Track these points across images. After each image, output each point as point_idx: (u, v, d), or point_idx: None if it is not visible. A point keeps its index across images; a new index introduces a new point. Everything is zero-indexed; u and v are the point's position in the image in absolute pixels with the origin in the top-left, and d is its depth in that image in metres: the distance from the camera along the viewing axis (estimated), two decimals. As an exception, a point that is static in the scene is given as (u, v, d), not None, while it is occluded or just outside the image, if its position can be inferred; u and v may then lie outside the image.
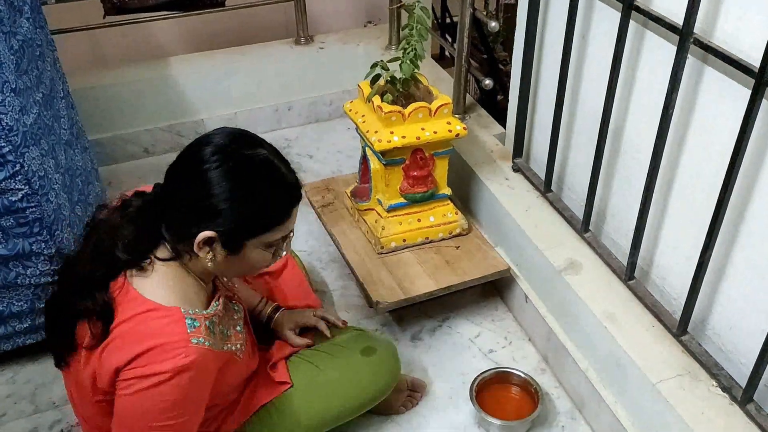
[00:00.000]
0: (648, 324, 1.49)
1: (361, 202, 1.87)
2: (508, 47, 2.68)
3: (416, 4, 1.69)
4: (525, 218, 1.79)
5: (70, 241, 1.67)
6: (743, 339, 1.32)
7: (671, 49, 1.28)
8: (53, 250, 1.61)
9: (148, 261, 1.14)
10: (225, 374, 1.21)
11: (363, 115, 1.75)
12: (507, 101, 1.98)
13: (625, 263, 1.56)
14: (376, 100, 1.69)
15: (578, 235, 1.71)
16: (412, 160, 1.73)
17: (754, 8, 1.12)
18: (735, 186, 1.21)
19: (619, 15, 1.39)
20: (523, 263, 1.81)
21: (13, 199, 1.50)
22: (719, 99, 1.25)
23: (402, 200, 1.78)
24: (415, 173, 1.74)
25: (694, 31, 1.22)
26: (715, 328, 1.39)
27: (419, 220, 1.82)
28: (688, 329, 1.43)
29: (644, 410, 1.42)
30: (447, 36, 3.15)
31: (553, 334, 1.68)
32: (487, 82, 2.05)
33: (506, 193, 1.89)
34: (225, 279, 1.31)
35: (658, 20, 1.30)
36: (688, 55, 1.25)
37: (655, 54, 1.38)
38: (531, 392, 1.61)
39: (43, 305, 1.44)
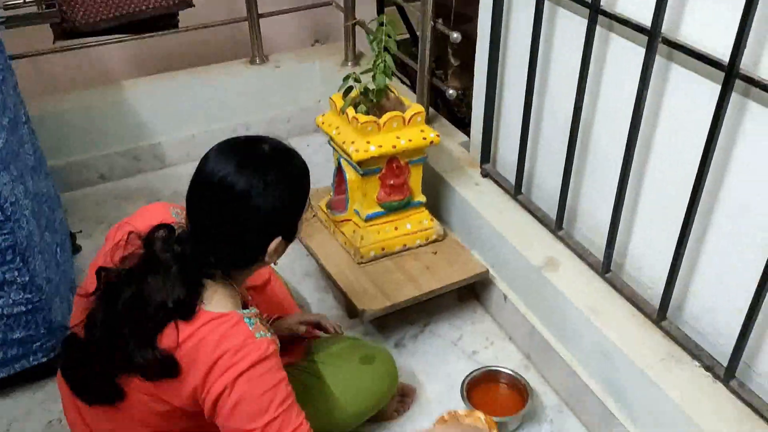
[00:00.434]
0: (628, 313, 1.55)
1: (337, 213, 1.89)
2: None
3: (383, 17, 1.73)
4: (499, 220, 1.84)
5: (43, 268, 1.62)
6: (720, 320, 1.39)
7: (637, 49, 1.36)
8: (27, 278, 1.55)
9: (197, 309, 1.12)
10: None
11: (337, 127, 1.77)
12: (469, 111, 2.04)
13: (601, 258, 1.62)
14: (351, 111, 1.71)
15: (552, 233, 1.77)
16: (388, 169, 1.76)
17: (721, 5, 1.20)
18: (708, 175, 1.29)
19: (583, 19, 1.47)
20: (499, 264, 1.86)
21: (-15, 226, 1.45)
22: (687, 94, 1.32)
23: (379, 209, 1.81)
24: (392, 182, 1.77)
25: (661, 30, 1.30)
26: (693, 312, 1.46)
27: (396, 228, 1.85)
28: (667, 315, 1.50)
29: (633, 396, 1.47)
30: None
31: (535, 331, 1.73)
32: (451, 92, 2.10)
33: (477, 197, 1.93)
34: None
35: (626, 22, 1.37)
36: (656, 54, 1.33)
37: (621, 55, 1.45)
38: (520, 388, 1.64)
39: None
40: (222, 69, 2.69)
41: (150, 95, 2.54)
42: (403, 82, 2.72)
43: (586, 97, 1.55)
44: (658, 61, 1.34)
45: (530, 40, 1.63)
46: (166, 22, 2.49)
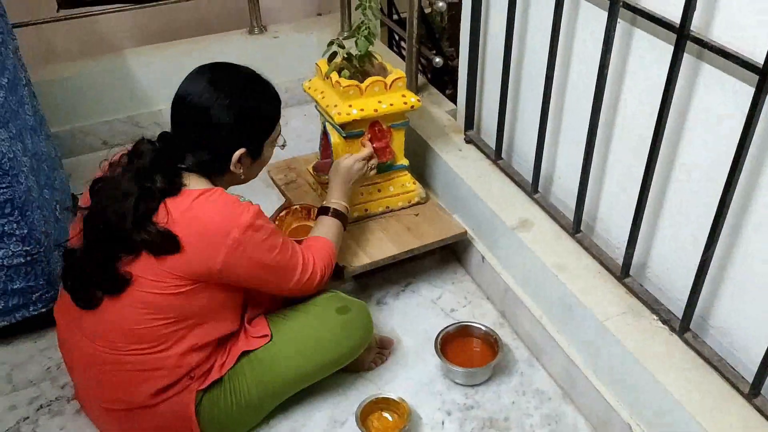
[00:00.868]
0: (595, 271, 1.62)
1: (323, 175, 1.96)
2: (454, 43, 2.80)
3: (367, -15, 1.79)
4: (478, 184, 1.91)
5: (41, 223, 1.71)
6: (678, 277, 1.46)
7: (602, 15, 1.41)
8: (25, 231, 1.65)
9: (182, 187, 1.33)
10: None
11: (322, 92, 1.83)
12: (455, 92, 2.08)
13: (572, 219, 1.69)
14: (334, 76, 1.78)
15: (528, 196, 1.84)
16: (371, 132, 1.83)
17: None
18: (663, 137, 1.35)
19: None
20: (478, 227, 1.93)
21: (-16, 180, 1.54)
22: (647, 57, 1.38)
23: (362, 171, 1.88)
24: (374, 145, 1.84)
25: (623, -4, 1.35)
26: (654, 270, 1.53)
27: (380, 191, 1.92)
28: (630, 273, 1.56)
29: (594, 347, 1.54)
30: (394, 35, 3.25)
31: (509, 289, 1.80)
32: (437, 60, 2.16)
33: (460, 162, 2.00)
34: None
35: (592, -11, 1.42)
36: (619, 19, 1.38)
37: (588, 22, 1.50)
38: (491, 343, 1.72)
39: (27, 282, 1.65)
40: (221, 38, 2.76)
41: (151, 64, 2.61)
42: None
43: (559, 66, 1.61)
44: (622, 25, 1.39)
45: (507, 9, 1.69)
46: (166, -9, 2.57)
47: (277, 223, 1.85)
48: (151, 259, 1.28)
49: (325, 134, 1.92)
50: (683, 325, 1.42)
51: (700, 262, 1.32)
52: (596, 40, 1.45)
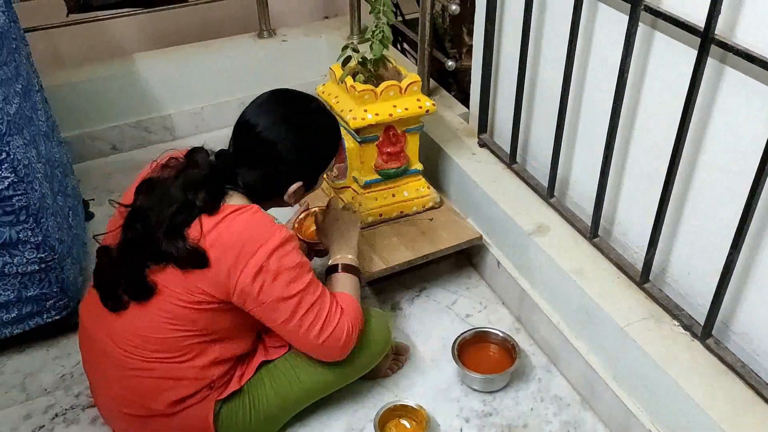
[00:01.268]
0: (613, 276, 1.61)
1: (337, 180, 1.95)
2: (456, 44, 2.79)
3: (380, -12, 1.78)
4: (493, 188, 1.90)
5: (55, 230, 1.70)
6: (699, 282, 1.44)
7: (622, 19, 1.40)
8: (40, 238, 1.64)
9: (221, 205, 1.31)
10: None
11: (336, 96, 1.82)
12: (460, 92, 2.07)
13: (589, 223, 1.67)
14: (349, 80, 1.77)
15: (544, 201, 1.82)
16: (385, 137, 1.82)
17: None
18: (686, 141, 1.33)
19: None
20: (493, 231, 1.91)
21: (0, 187, 1.53)
22: (669, 62, 1.37)
23: (377, 176, 1.87)
24: (389, 150, 1.83)
25: (644, -1, 1.34)
26: (674, 275, 1.52)
27: (394, 195, 1.91)
28: (650, 278, 1.55)
29: (614, 354, 1.53)
30: (398, 37, 3.24)
31: (525, 294, 1.79)
32: (450, 63, 2.15)
33: (474, 166, 1.99)
34: None
35: (611, -8, 1.41)
36: (640, 23, 1.37)
37: (607, 24, 1.49)
38: (509, 348, 1.71)
39: (32, 293, 1.64)
40: (230, 43, 2.75)
41: (160, 68, 2.61)
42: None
43: (576, 69, 1.59)
44: (643, 28, 1.38)
45: (523, 11, 1.68)
46: (176, -4, 2.57)
47: (296, 226, 1.84)
48: (178, 271, 1.27)
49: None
50: (705, 330, 1.41)
51: (724, 266, 1.30)
52: (614, 42, 1.44)
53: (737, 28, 1.20)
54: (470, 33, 2.61)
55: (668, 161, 1.37)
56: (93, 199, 2.33)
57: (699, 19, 1.22)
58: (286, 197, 1.42)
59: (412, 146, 1.88)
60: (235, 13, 3.10)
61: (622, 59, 1.41)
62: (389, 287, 1.97)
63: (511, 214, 1.80)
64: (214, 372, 1.35)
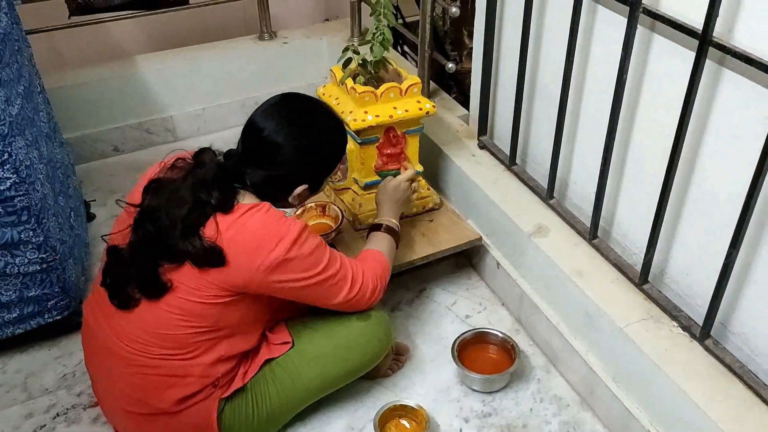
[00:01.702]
0: (613, 277, 1.61)
1: (337, 181, 1.96)
2: (456, 47, 2.81)
3: (381, -9, 1.79)
4: (493, 190, 1.90)
5: (57, 230, 1.71)
6: (697, 283, 1.45)
7: (622, 21, 1.41)
8: (41, 239, 1.65)
9: (235, 204, 1.34)
10: None
11: (337, 98, 1.83)
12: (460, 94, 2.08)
13: (589, 224, 1.68)
14: (349, 82, 1.78)
15: (543, 202, 1.83)
16: (386, 138, 1.82)
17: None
18: (684, 142, 1.34)
19: (573, -7, 1.52)
20: (493, 232, 1.92)
21: (2, 188, 1.53)
22: (667, 64, 1.37)
23: (377, 178, 1.87)
24: (389, 151, 1.84)
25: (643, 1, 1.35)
26: (673, 276, 1.52)
27: (394, 197, 1.91)
28: (649, 279, 1.56)
29: (613, 354, 1.54)
30: (398, 39, 3.25)
31: (525, 295, 1.79)
32: (450, 65, 2.16)
33: (474, 168, 2.00)
34: None
35: (610, -5, 1.42)
36: (638, 25, 1.38)
37: (606, 28, 1.50)
38: (508, 349, 1.71)
39: (35, 291, 1.65)
40: (231, 44, 2.76)
41: (162, 70, 2.62)
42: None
43: (575, 71, 1.60)
44: (641, 30, 1.39)
45: (523, 14, 1.69)
46: (177, -2, 2.58)
47: None
48: (194, 269, 1.29)
49: (339, 140, 1.91)
50: (704, 331, 1.42)
51: (723, 267, 1.31)
52: (613, 44, 1.45)
53: (735, 31, 1.21)
54: (470, 35, 2.62)
55: (667, 163, 1.38)
56: (94, 200, 2.34)
57: (697, 22, 1.23)
58: (290, 199, 1.45)
59: (412, 148, 1.89)
60: (237, 16, 3.11)
61: (620, 62, 1.42)
62: (389, 288, 1.95)
63: (511, 216, 1.81)
64: (219, 369, 1.36)
